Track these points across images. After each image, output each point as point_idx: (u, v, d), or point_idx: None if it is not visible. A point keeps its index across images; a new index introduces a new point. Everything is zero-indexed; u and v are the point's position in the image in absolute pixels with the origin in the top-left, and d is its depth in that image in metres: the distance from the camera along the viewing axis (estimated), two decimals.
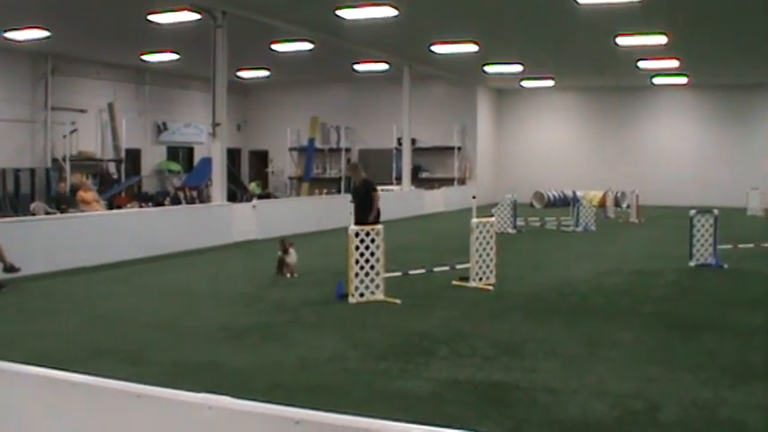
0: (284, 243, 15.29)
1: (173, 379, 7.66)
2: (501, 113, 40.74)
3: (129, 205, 26.57)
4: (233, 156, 35.47)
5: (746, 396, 7.48)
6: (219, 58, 20.56)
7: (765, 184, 32.09)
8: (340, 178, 38.23)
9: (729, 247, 17.62)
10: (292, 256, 15.08)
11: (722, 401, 7.30)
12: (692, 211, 16.69)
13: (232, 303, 12.44)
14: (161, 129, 33.63)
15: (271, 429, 3.39)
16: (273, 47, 25.69)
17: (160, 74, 32.63)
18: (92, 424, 3.85)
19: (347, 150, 38.67)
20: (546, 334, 10.16)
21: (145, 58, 28.53)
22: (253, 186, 34.74)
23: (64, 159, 27.63)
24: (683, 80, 34.73)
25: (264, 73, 33.66)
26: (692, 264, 16.33)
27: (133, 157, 31.88)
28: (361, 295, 12.28)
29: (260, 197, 29.39)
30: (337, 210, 21.50)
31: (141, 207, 25.97)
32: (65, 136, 27.79)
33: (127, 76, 31.54)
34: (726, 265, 16.20)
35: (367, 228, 12.54)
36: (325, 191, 36.08)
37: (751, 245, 18.59)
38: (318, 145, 38.42)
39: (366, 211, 14.67)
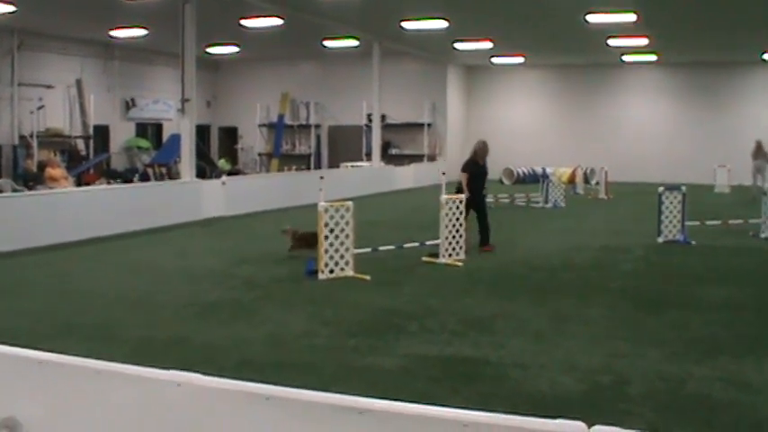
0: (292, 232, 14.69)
1: (141, 356, 7.63)
2: (471, 90, 40.72)
3: (97, 182, 26.37)
4: (202, 132, 35.23)
5: (711, 370, 7.57)
6: (188, 33, 20.36)
7: (732, 162, 32.36)
8: (310, 154, 38.13)
9: (697, 223, 17.76)
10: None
11: (688, 375, 7.39)
12: (661, 188, 16.81)
13: (201, 280, 12.40)
14: (129, 105, 33.30)
15: (241, 406, 3.38)
16: (243, 22, 25.43)
17: (128, 50, 32.25)
18: (58, 402, 3.82)
19: (317, 126, 38.50)
20: (515, 309, 10.22)
21: (113, 33, 28.16)
22: (222, 163, 34.54)
23: (31, 136, 27.25)
24: (653, 58, 34.85)
25: (234, 49, 33.39)
26: (660, 240, 16.46)
27: (102, 133, 31.54)
28: (331, 272, 12.28)
29: (229, 174, 29.27)
30: (307, 186, 21.45)
31: (110, 184, 25.79)
32: (32, 112, 27.39)
33: (95, 51, 31.16)
34: (693, 242, 16.34)
35: (336, 204, 12.51)
36: (294, 167, 35.97)
37: (718, 221, 18.74)
38: (288, 121, 38.21)
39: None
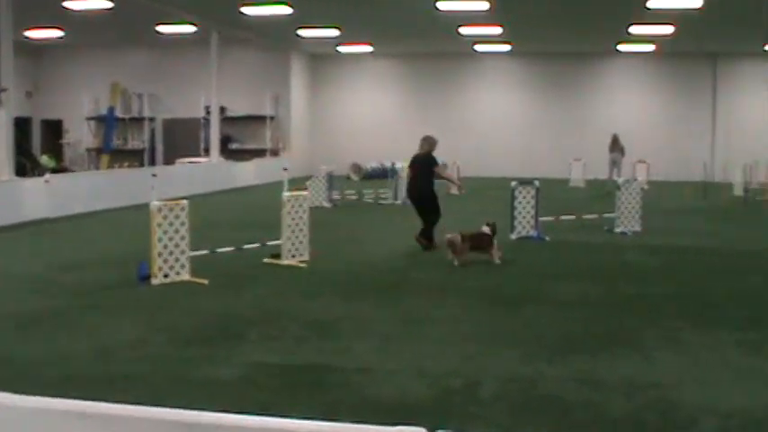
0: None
1: None
2: (316, 80, 40.80)
3: None
4: (22, 125, 34.02)
5: (564, 370, 7.82)
6: (4, 14, 19.68)
7: (588, 155, 33.47)
8: (143, 150, 37.42)
9: (551, 219, 18.32)
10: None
11: (540, 376, 7.61)
12: (513, 183, 17.24)
13: (21, 288, 11.98)
14: None
15: (55, 425, 3.29)
16: (66, 4, 24.72)
17: None
18: None
19: (151, 120, 37.81)
20: (361, 312, 10.30)
21: None
22: (45, 159, 33.49)
23: None
24: (506, 48, 35.73)
25: (57, 33, 32.42)
26: (513, 237, 16.86)
27: None
28: (166, 276, 12.08)
29: (53, 171, 28.42)
30: (140, 184, 21.04)
31: None
32: None
33: None
34: (547, 238, 16.86)
35: (170, 203, 12.34)
36: (126, 164, 35.24)
37: (572, 216, 19.35)
38: (119, 114, 37.37)
39: None
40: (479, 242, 14.16)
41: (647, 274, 13.41)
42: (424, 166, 16.20)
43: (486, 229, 14.32)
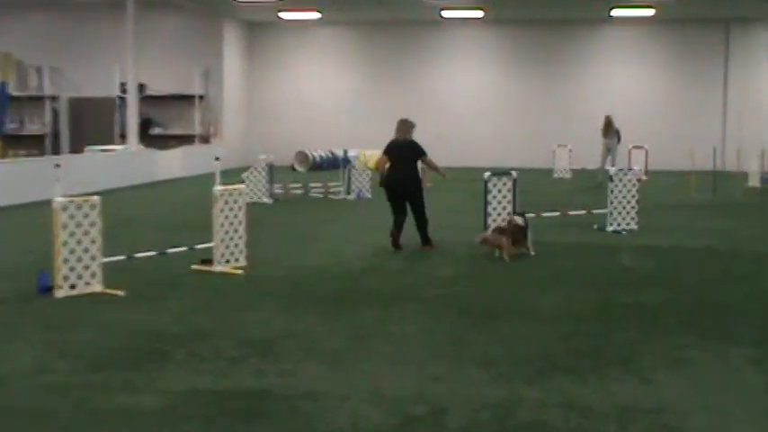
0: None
1: None
2: (255, 53, 40.67)
3: None
4: None
5: (546, 393, 7.86)
6: None
7: (576, 141, 33.58)
8: (44, 135, 37.08)
9: (532, 215, 18.40)
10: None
11: (519, 400, 7.65)
12: (487, 173, 17.29)
13: None
14: None
15: None
16: None
17: None
18: None
19: (53, 98, 37.47)
20: (307, 327, 10.31)
21: None
22: None
23: None
24: (478, 13, 35.77)
25: None
26: None
27: None
28: (72, 287, 12.00)
29: None
30: (40, 176, 20.88)
31: None
32: None
33: None
34: None
35: (79, 200, 12.28)
36: (23, 152, 34.88)
37: (556, 213, 19.44)
38: (13, 91, 36.83)
39: None
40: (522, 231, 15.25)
41: (644, 281, 13.48)
42: (408, 152, 16.15)
43: (518, 219, 15.30)
